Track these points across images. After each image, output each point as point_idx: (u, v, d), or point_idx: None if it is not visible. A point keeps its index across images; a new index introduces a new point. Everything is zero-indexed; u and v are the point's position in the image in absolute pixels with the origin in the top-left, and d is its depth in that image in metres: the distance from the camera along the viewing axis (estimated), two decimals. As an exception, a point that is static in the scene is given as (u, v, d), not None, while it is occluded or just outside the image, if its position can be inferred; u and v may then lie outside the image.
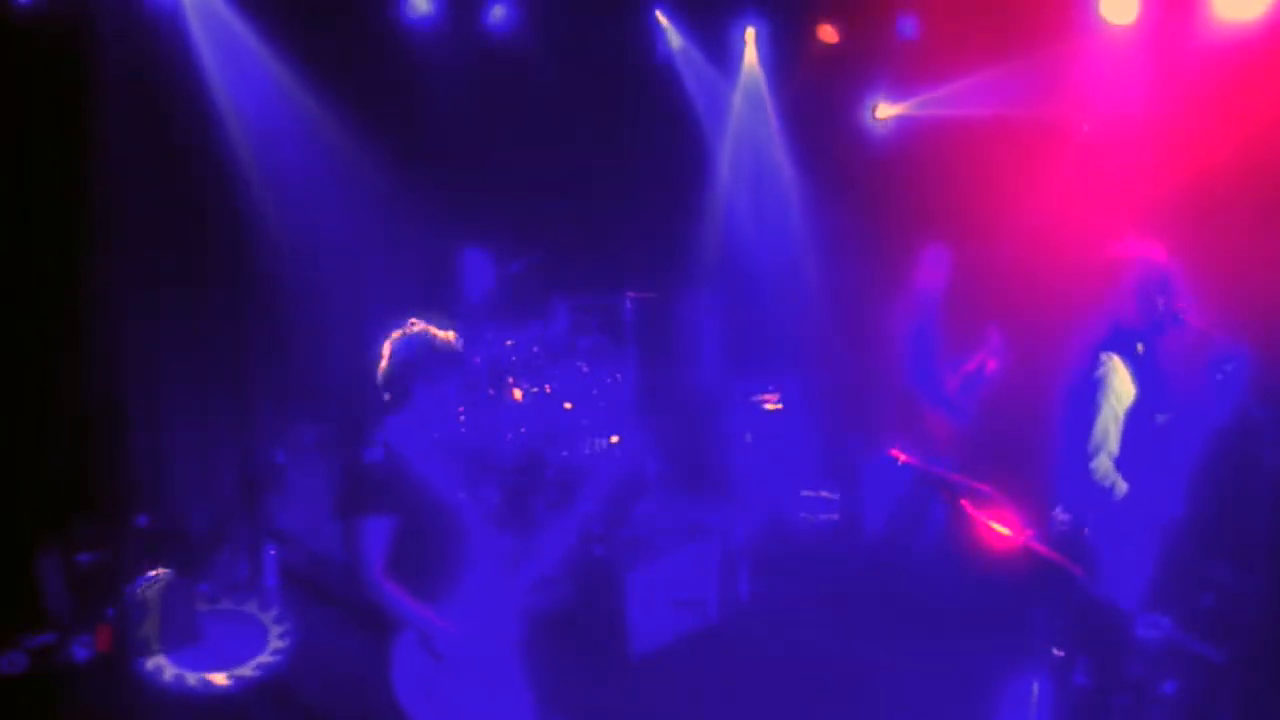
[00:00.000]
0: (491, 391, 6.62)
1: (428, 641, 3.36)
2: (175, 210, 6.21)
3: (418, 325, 3.56)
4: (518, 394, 6.68)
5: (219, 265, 6.43)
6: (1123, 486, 4.07)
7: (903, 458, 3.93)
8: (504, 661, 3.59)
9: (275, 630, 5.24)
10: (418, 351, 3.49)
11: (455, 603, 3.45)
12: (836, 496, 7.24)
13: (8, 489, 5.62)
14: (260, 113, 6.31)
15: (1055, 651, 3.92)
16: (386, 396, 3.51)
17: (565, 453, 6.68)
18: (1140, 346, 4.15)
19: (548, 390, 6.77)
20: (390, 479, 3.37)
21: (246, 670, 4.98)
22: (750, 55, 7.87)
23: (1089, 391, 4.13)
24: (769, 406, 7.50)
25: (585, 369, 6.97)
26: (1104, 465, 4.08)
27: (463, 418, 6.43)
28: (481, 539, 3.59)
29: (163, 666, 4.95)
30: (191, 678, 4.91)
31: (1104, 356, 4.12)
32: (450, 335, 3.58)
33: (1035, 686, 3.70)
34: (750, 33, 7.76)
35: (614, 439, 6.88)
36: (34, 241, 5.73)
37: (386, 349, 3.52)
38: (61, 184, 5.78)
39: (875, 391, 6.56)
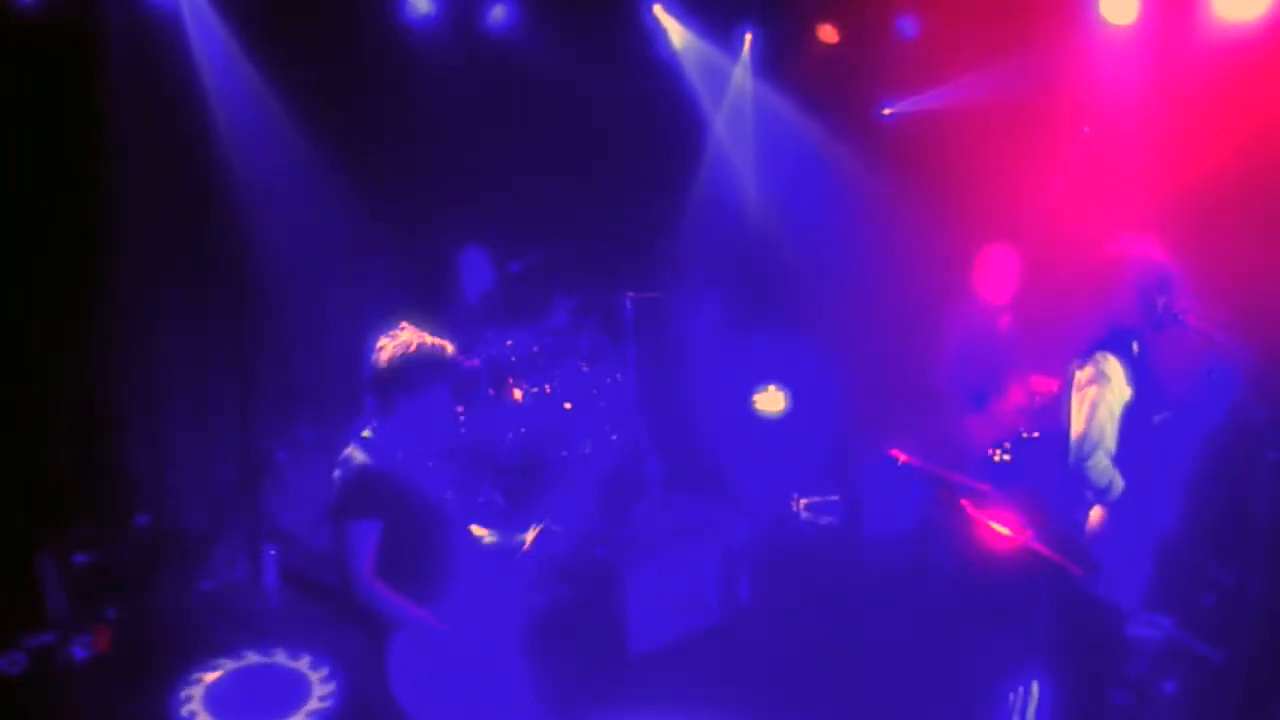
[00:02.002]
0: (491, 391, 6.62)
1: (422, 641, 3.37)
2: (175, 210, 6.22)
3: (405, 333, 3.47)
4: (518, 394, 6.68)
5: (219, 265, 6.43)
6: (1120, 484, 4.07)
7: (903, 458, 3.93)
8: (503, 660, 3.59)
9: (317, 678, 5.14)
10: (399, 362, 3.42)
11: (449, 602, 3.44)
12: (837, 498, 7.25)
13: (8, 489, 5.62)
14: (260, 112, 6.30)
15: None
16: (370, 401, 3.49)
17: (565, 453, 6.68)
18: (1135, 346, 4.15)
19: (548, 390, 6.77)
20: (376, 483, 3.36)
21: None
22: (748, 58, 7.88)
23: (1085, 390, 4.13)
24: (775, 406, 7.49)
25: (585, 369, 6.97)
26: (1101, 463, 4.07)
27: (462, 418, 6.43)
28: (472, 538, 3.58)
29: None
30: None
31: (1100, 355, 4.12)
32: (439, 343, 3.49)
33: (1035, 686, 3.70)
34: (748, 37, 7.78)
35: (613, 440, 6.88)
36: (34, 241, 5.74)
37: (373, 354, 3.46)
38: (62, 183, 5.78)
39: (894, 393, 6.49)
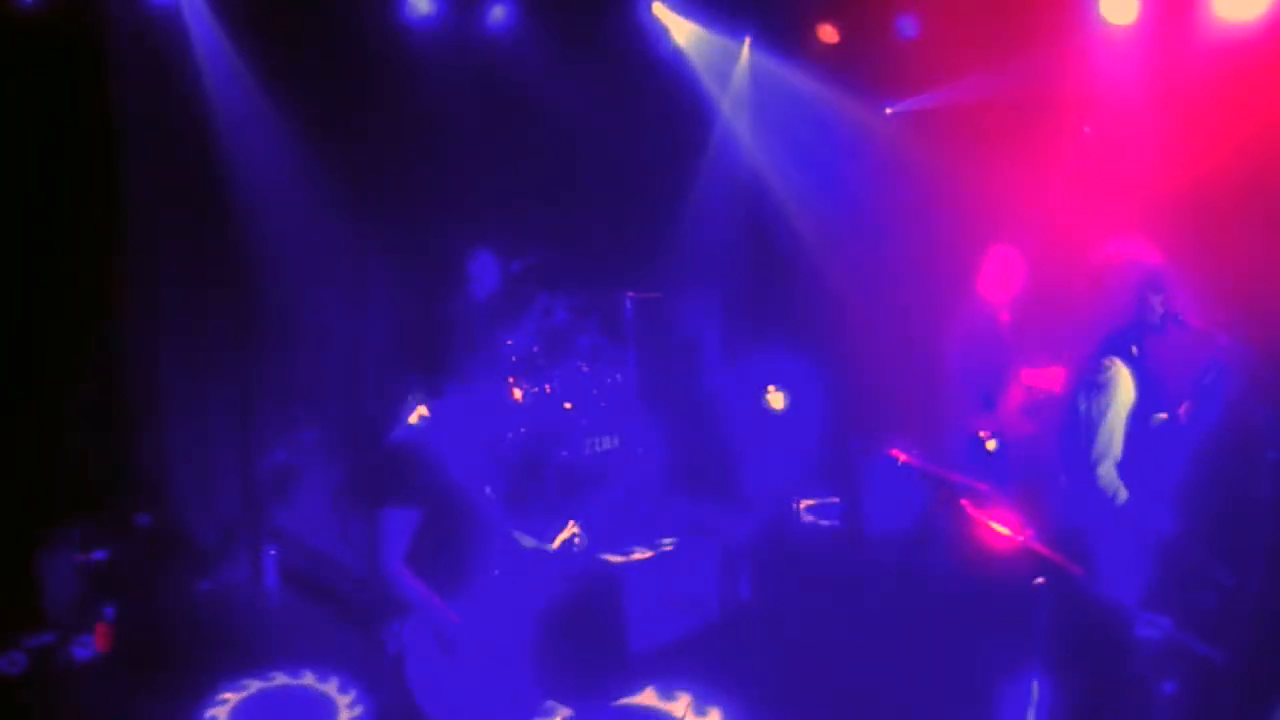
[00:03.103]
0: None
1: (438, 632, 3.40)
2: (177, 210, 6.21)
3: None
4: (518, 394, 6.68)
5: (221, 265, 6.43)
6: (1124, 495, 4.06)
7: (903, 457, 3.93)
8: (512, 657, 3.61)
9: (342, 699, 5.09)
10: (454, 356, 3.49)
11: (470, 596, 3.48)
12: (836, 499, 7.25)
13: (9, 488, 5.62)
14: (261, 113, 6.31)
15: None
16: (419, 388, 3.54)
17: (565, 453, 6.68)
18: (1134, 349, 4.14)
19: (548, 390, 6.77)
20: (416, 469, 3.40)
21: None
22: (748, 59, 7.88)
23: (1092, 396, 4.11)
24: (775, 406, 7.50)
25: (585, 369, 6.97)
26: (1109, 473, 4.05)
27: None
28: (501, 535, 3.62)
29: None
30: None
31: (1107, 361, 4.10)
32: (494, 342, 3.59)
33: (1035, 686, 3.69)
34: (748, 39, 7.78)
35: (613, 441, 6.88)
36: (36, 241, 5.74)
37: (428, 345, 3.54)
38: (63, 184, 5.78)
39: (895, 393, 6.48)
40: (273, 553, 6.08)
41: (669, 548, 5.96)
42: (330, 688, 5.11)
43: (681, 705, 4.94)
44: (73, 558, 5.62)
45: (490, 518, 3.57)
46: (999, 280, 5.89)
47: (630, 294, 6.98)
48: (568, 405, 6.81)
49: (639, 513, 6.52)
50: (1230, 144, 5.26)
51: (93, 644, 5.31)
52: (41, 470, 5.79)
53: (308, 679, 5.18)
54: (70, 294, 5.87)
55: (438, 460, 3.43)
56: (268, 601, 5.98)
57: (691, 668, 5.35)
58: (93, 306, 5.98)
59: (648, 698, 5.04)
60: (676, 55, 7.68)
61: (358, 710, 4.94)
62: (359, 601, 5.74)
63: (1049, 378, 5.55)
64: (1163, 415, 4.20)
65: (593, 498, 6.41)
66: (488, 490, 3.59)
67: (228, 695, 4.99)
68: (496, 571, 3.56)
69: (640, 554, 5.85)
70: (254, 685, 5.12)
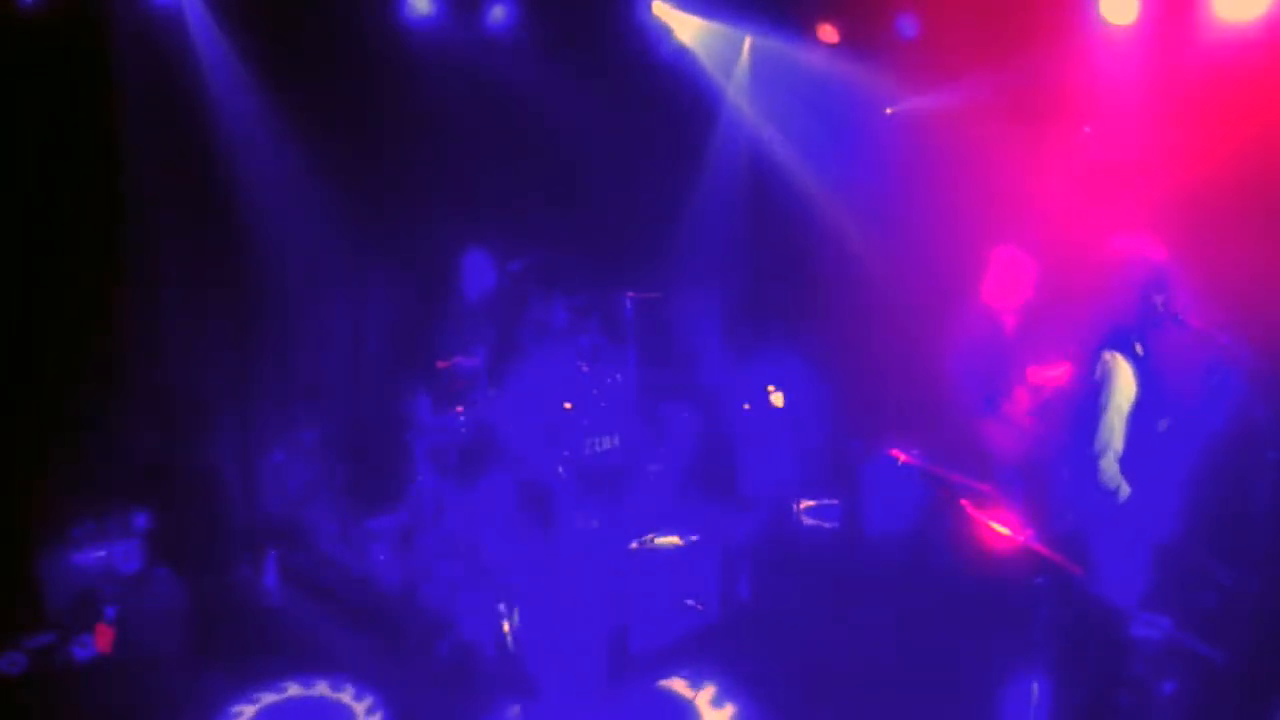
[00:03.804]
0: (491, 391, 6.61)
1: (524, 600, 3.51)
2: (177, 210, 6.22)
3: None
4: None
5: (222, 266, 6.44)
6: (1127, 489, 4.07)
7: (903, 458, 3.94)
8: (584, 630, 3.71)
9: (360, 709, 5.09)
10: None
11: (547, 568, 3.58)
12: (836, 501, 7.25)
13: (9, 488, 5.62)
14: (261, 114, 6.31)
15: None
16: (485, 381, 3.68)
17: (565, 453, 6.67)
18: (1139, 347, 4.14)
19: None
20: (495, 447, 3.54)
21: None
22: (748, 59, 7.88)
23: (1093, 391, 4.12)
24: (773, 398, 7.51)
25: (585, 369, 6.97)
26: (1111, 467, 4.06)
27: (462, 418, 6.43)
28: (569, 513, 3.73)
29: None
30: None
31: (1107, 355, 4.11)
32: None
33: (1035, 686, 3.70)
34: (748, 40, 7.78)
35: (613, 440, 6.87)
36: (36, 242, 5.74)
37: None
38: (63, 184, 5.78)
39: (898, 396, 6.47)
40: (273, 553, 6.07)
41: (669, 548, 5.95)
42: (342, 694, 5.09)
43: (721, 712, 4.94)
44: (72, 558, 5.62)
45: (563, 495, 3.68)
46: (1005, 284, 5.80)
47: (630, 294, 6.97)
48: (568, 405, 6.80)
49: (639, 512, 6.52)
50: (1230, 144, 5.26)
51: (92, 644, 5.31)
52: (41, 470, 5.79)
53: (322, 688, 5.15)
54: (70, 294, 5.87)
55: (509, 441, 3.59)
56: (268, 601, 5.98)
57: (689, 670, 5.36)
58: (93, 306, 5.98)
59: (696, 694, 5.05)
60: (677, 54, 7.67)
61: (367, 703, 4.95)
62: (359, 601, 5.75)
63: (1056, 375, 5.52)
64: (1165, 422, 4.20)
65: (628, 492, 6.42)
66: (560, 471, 3.71)
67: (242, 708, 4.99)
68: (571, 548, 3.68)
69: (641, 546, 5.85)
70: (267, 697, 5.08)
